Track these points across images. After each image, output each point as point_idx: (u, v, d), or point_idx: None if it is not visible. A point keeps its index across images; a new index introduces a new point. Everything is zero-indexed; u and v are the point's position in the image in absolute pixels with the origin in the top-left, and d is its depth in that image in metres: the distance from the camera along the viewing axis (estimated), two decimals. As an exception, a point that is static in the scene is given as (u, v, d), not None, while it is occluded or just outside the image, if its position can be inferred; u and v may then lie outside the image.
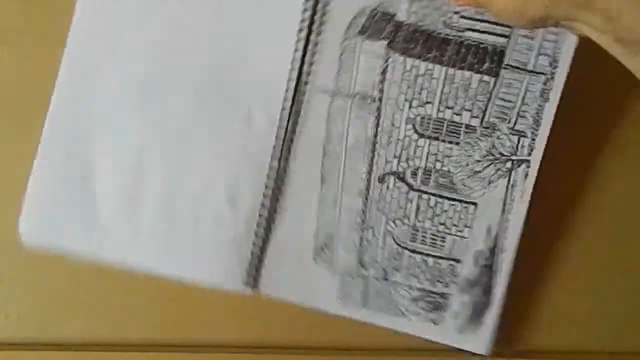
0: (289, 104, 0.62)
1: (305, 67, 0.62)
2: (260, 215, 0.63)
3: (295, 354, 0.66)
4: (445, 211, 0.63)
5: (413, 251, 0.64)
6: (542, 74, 0.61)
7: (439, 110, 0.62)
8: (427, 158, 0.63)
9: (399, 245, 0.64)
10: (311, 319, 0.66)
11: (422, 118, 0.62)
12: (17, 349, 0.65)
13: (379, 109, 0.62)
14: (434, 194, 0.63)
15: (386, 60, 0.62)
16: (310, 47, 0.62)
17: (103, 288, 0.67)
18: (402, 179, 0.63)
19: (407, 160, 0.63)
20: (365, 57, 0.62)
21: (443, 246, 0.64)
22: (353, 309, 0.64)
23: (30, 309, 0.67)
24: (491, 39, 0.61)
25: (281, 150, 0.63)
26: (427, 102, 0.62)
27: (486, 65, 0.61)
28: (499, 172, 0.62)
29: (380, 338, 0.66)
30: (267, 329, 0.67)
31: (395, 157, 0.63)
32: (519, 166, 0.62)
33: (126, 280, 0.66)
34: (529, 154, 0.62)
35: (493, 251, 0.63)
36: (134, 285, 0.66)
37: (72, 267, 0.66)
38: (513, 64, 0.61)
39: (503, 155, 0.62)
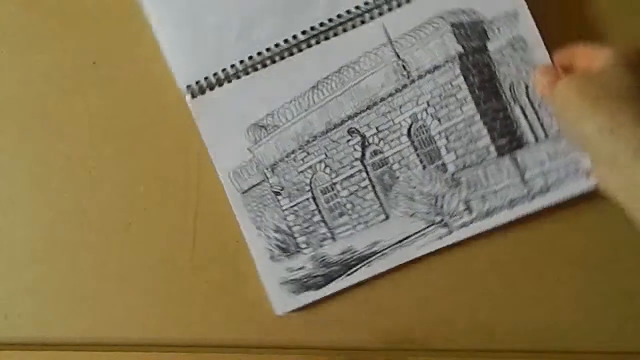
0: (353, 14, 0.63)
1: (393, 2, 0.63)
2: (250, 57, 0.64)
3: (294, 353, 0.67)
4: (365, 200, 0.65)
5: (314, 198, 0.65)
6: (528, 189, 0.62)
7: (439, 133, 0.63)
8: (395, 153, 0.64)
9: (310, 185, 0.65)
10: (309, 320, 0.67)
11: (422, 126, 0.64)
12: (16, 349, 0.66)
13: (404, 86, 0.64)
14: (370, 180, 0.65)
15: (446, 62, 0.63)
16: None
17: (103, 288, 0.67)
18: (364, 148, 0.65)
19: (381, 140, 0.64)
20: (436, 44, 0.63)
21: (336, 219, 0.65)
22: (232, 186, 0.65)
23: (30, 309, 0.67)
24: (526, 129, 0.62)
25: (313, 36, 0.64)
26: (437, 119, 0.63)
27: (502, 141, 0.63)
28: (426, 216, 0.64)
29: (375, 339, 0.67)
30: (267, 329, 0.67)
31: (376, 129, 0.64)
32: (441, 227, 0.64)
33: (126, 280, 0.67)
34: (459, 228, 0.64)
35: (363, 259, 0.65)
36: (134, 285, 0.67)
37: (72, 266, 0.67)
38: (518, 160, 0.62)
39: (442, 209, 0.64)
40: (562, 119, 0.57)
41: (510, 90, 0.63)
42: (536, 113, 0.63)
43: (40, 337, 0.67)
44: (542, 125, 0.63)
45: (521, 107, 0.63)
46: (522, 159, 0.63)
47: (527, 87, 0.63)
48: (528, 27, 0.62)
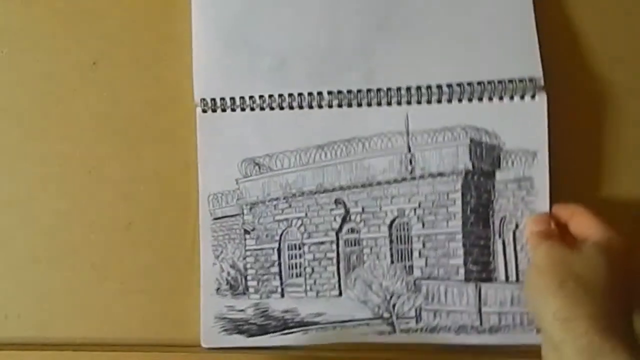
0: (383, 93, 0.65)
1: (424, 97, 0.64)
2: (270, 96, 0.65)
3: (289, 353, 0.67)
4: (325, 270, 0.65)
5: (279, 250, 0.66)
6: (480, 322, 0.63)
7: (418, 236, 0.64)
8: (370, 239, 0.65)
9: (280, 236, 0.66)
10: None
11: (405, 224, 0.64)
12: (16, 349, 0.66)
13: (404, 180, 0.65)
14: (338, 254, 0.65)
15: (452, 174, 0.64)
16: (446, 100, 0.64)
17: (103, 288, 0.67)
18: (343, 222, 0.65)
19: (362, 220, 0.65)
20: (449, 152, 0.64)
21: (292, 277, 0.66)
22: (207, 208, 0.66)
23: (30, 309, 0.68)
24: (501, 266, 0.63)
25: (339, 99, 0.65)
26: (422, 223, 0.64)
27: (473, 268, 0.64)
28: (376, 308, 0.65)
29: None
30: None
31: (362, 209, 0.65)
32: (387, 325, 0.65)
33: (126, 280, 0.67)
34: (402, 332, 0.64)
35: (303, 324, 0.65)
36: (134, 285, 0.67)
37: (72, 266, 0.67)
38: (481, 292, 0.63)
39: (393, 308, 0.64)
40: (529, 280, 0.58)
41: (500, 223, 0.63)
42: (515, 254, 0.63)
43: (40, 337, 0.67)
44: (516, 267, 0.63)
45: (503, 243, 0.63)
46: (485, 292, 0.63)
47: (516, 226, 0.63)
48: (541, 171, 0.63)
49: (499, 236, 0.63)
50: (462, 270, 0.63)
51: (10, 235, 0.68)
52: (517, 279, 0.63)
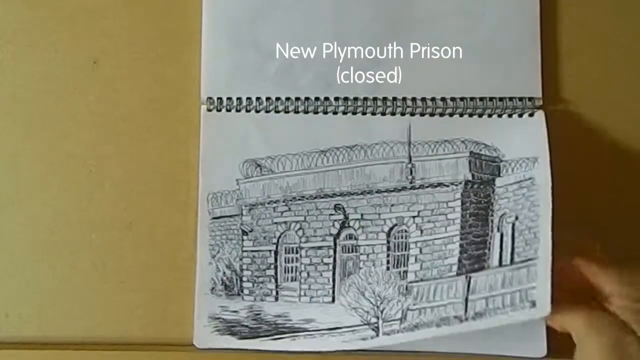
0: (388, 102, 0.72)
1: (428, 109, 0.71)
2: (277, 98, 0.73)
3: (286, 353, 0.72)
4: (321, 275, 0.70)
5: (276, 253, 0.71)
6: (464, 311, 0.66)
7: (416, 243, 0.69)
8: (368, 246, 0.70)
9: (278, 239, 0.72)
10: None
11: (404, 231, 0.69)
12: (17, 348, 0.71)
13: (403, 189, 0.70)
14: (335, 260, 0.70)
15: (451, 184, 0.69)
16: (447, 113, 0.72)
17: (103, 288, 0.73)
18: (342, 227, 0.71)
19: (361, 227, 0.71)
20: (449, 164, 0.70)
21: (287, 281, 0.71)
22: (206, 207, 0.72)
23: (30, 309, 0.73)
24: (495, 254, 0.67)
25: (344, 105, 0.72)
26: (420, 230, 0.69)
27: (466, 262, 0.67)
28: (365, 314, 0.68)
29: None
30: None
31: (361, 215, 0.71)
32: (371, 330, 0.68)
33: (126, 280, 0.73)
34: (384, 334, 0.68)
35: (293, 330, 0.69)
36: (134, 285, 0.73)
37: (72, 266, 0.73)
38: (471, 282, 0.66)
39: (382, 312, 0.68)
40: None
41: (500, 220, 0.67)
42: (513, 240, 0.66)
43: (41, 336, 0.72)
44: (512, 251, 0.66)
45: (501, 235, 0.67)
46: (475, 280, 0.66)
47: (516, 218, 0.67)
48: (542, 171, 0.66)
49: (497, 230, 0.67)
50: (455, 267, 0.67)
51: (10, 235, 0.73)
52: (512, 262, 0.65)
